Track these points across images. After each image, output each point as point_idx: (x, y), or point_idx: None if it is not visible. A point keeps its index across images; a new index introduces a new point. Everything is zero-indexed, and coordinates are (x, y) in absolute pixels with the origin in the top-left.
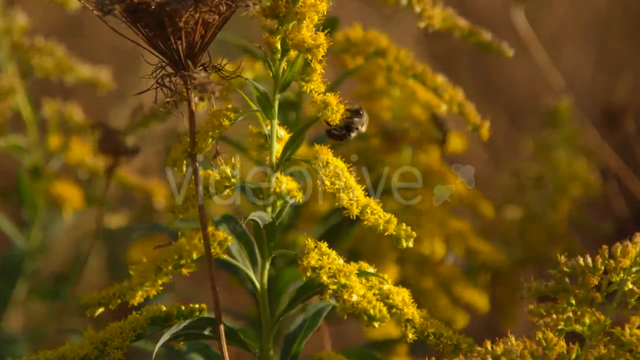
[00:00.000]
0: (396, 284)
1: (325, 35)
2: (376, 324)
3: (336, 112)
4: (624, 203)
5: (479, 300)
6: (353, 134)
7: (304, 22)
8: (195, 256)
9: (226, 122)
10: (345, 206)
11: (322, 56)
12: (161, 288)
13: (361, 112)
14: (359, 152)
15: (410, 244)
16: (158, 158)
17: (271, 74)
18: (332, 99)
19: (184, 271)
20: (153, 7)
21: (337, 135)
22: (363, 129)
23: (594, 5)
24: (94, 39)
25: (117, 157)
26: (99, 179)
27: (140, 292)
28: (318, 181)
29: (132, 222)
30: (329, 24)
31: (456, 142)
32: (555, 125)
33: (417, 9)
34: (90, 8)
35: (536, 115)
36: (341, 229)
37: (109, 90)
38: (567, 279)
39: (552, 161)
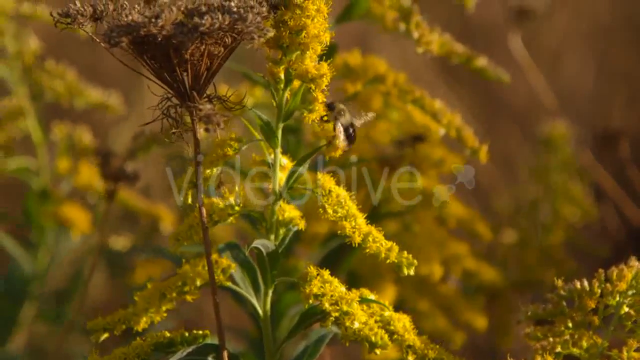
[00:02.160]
0: (395, 304)
1: (328, 65)
2: (378, 351)
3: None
4: (620, 226)
5: (478, 320)
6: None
7: (308, 52)
8: (199, 283)
9: (230, 152)
10: (347, 234)
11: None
12: (165, 314)
13: (342, 120)
14: (357, 176)
15: (412, 272)
16: (160, 178)
17: (274, 103)
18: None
19: (188, 298)
20: (159, 39)
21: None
22: (357, 123)
23: (595, 16)
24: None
25: (117, 182)
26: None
27: (144, 318)
28: (320, 209)
29: (136, 244)
30: (328, 50)
31: (454, 161)
32: (551, 150)
33: (415, 34)
34: (98, 40)
35: (538, 125)
36: (341, 253)
37: (118, 114)
38: (564, 303)
39: (549, 185)
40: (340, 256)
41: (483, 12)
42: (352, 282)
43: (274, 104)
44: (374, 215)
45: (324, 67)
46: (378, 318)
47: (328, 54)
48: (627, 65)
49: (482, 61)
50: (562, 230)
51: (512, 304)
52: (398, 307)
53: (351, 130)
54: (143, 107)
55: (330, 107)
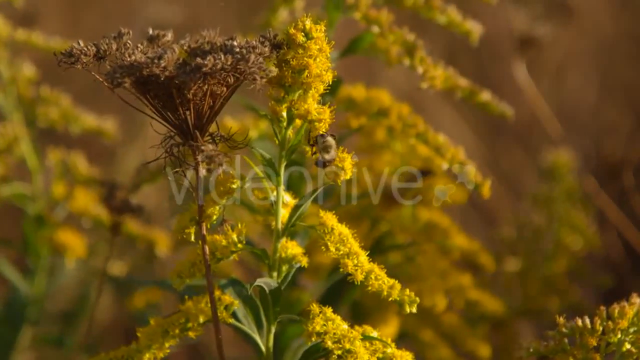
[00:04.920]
0: (398, 334)
1: (330, 110)
2: None
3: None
4: (623, 254)
5: (481, 348)
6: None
7: (310, 92)
8: (202, 320)
9: (233, 190)
10: (349, 272)
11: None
12: (168, 351)
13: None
14: (362, 210)
15: (414, 310)
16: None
17: (277, 141)
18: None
19: (191, 334)
20: (162, 79)
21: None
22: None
23: (599, 31)
24: None
25: (122, 215)
26: (103, 227)
27: (147, 355)
28: (323, 247)
29: (134, 269)
30: (332, 84)
31: (458, 194)
32: (554, 178)
33: (420, 70)
34: (101, 79)
35: (541, 141)
36: (345, 284)
37: (113, 140)
38: (565, 340)
39: (552, 214)
40: (344, 287)
41: (488, 25)
42: (356, 312)
43: (277, 141)
44: (378, 248)
45: (326, 111)
46: (380, 355)
47: (332, 88)
48: (630, 79)
49: (485, 95)
50: (565, 259)
51: (515, 332)
52: (402, 337)
53: (326, 163)
54: (148, 128)
55: (321, 136)
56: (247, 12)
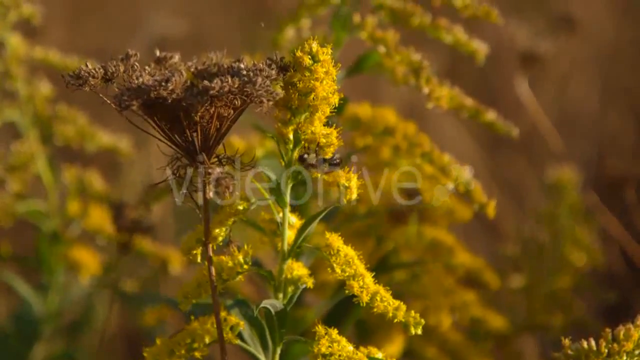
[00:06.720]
0: (403, 352)
1: (337, 136)
2: None
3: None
4: (625, 268)
5: None
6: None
7: (316, 114)
8: (207, 340)
9: (239, 211)
10: (355, 294)
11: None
12: None
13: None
14: (368, 228)
15: (419, 331)
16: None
17: (283, 163)
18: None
19: (197, 354)
20: (169, 102)
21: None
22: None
23: (601, 38)
24: None
25: (132, 234)
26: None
27: None
28: (329, 268)
29: (145, 286)
30: (339, 105)
31: (463, 212)
32: (558, 194)
33: (426, 90)
34: (109, 102)
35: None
36: (350, 303)
37: (128, 157)
38: None
39: (556, 230)
40: (349, 307)
41: (491, 37)
42: (360, 330)
43: (282, 163)
44: (383, 267)
45: (333, 136)
46: None
47: (339, 108)
48: (633, 86)
49: (490, 115)
50: (569, 275)
51: (519, 348)
52: (407, 355)
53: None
54: (153, 141)
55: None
56: (250, 23)
